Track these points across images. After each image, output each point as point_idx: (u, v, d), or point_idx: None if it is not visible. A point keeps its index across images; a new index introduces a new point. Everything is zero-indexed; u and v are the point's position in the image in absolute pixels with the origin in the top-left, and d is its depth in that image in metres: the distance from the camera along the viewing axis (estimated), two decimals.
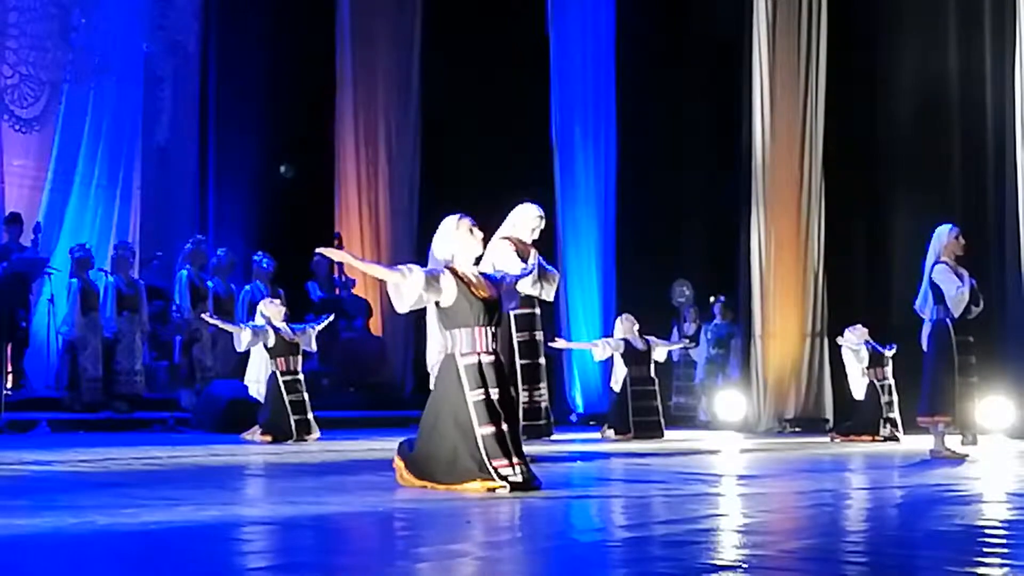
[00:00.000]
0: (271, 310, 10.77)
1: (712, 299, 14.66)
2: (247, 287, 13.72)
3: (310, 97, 16.39)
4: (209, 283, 13.28)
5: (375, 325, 15.97)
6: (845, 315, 12.72)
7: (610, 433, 11.79)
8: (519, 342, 8.63)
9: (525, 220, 8.66)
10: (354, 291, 15.70)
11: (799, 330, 13.78)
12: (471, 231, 6.07)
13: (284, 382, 10.44)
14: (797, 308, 13.81)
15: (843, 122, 14.12)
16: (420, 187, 16.57)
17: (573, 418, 15.09)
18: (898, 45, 14.33)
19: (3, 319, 11.71)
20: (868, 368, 11.44)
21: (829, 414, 13.62)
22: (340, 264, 15.54)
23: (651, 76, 15.79)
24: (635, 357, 11.83)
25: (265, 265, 13.69)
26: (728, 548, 4.13)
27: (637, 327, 12.00)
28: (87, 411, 12.01)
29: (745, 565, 3.70)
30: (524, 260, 8.66)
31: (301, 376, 10.62)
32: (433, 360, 6.06)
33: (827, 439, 11.74)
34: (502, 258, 8.59)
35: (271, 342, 10.49)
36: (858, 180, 14.41)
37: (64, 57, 14.15)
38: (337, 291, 15.44)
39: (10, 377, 12.03)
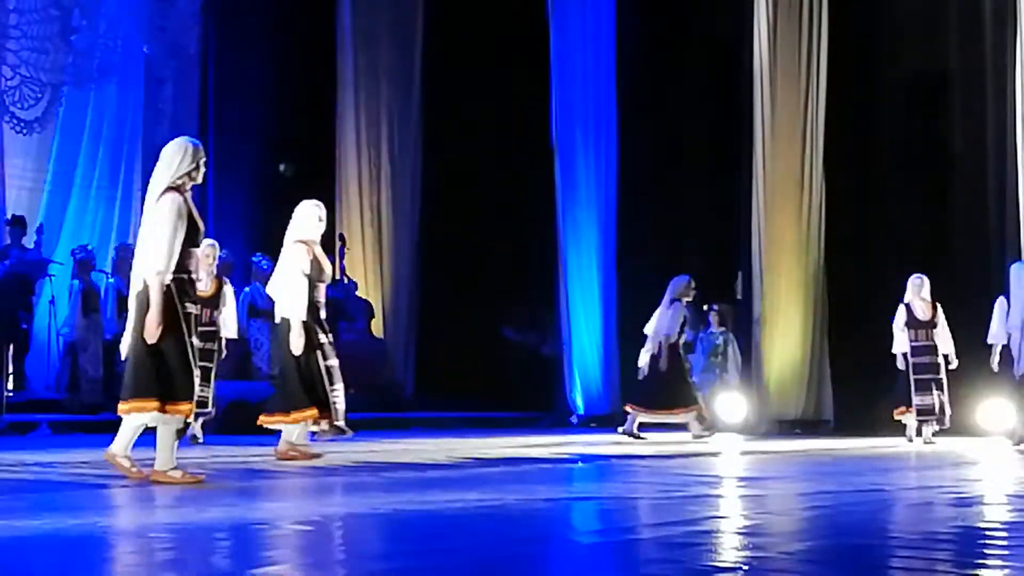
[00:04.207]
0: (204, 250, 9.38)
1: (705, 308, 14.58)
2: (247, 288, 13.69)
3: (310, 97, 16.36)
4: None
5: (376, 327, 15.95)
6: (845, 315, 12.71)
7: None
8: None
9: (315, 219, 8.55)
10: (357, 293, 15.68)
11: (799, 331, 13.77)
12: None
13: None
14: (797, 308, 13.79)
15: (843, 122, 14.11)
16: (422, 187, 16.55)
17: (574, 419, 15.04)
18: (898, 45, 14.33)
19: (4, 321, 11.69)
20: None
21: (830, 415, 13.61)
22: (343, 265, 15.52)
23: (651, 76, 15.77)
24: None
25: (265, 266, 13.65)
26: (728, 550, 4.13)
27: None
28: (87, 413, 11.97)
29: (745, 567, 3.70)
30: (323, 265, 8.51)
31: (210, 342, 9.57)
32: None
33: (824, 440, 11.72)
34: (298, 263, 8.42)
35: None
36: (858, 180, 14.40)
37: (65, 59, 14.13)
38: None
39: (11, 379, 12.01)
